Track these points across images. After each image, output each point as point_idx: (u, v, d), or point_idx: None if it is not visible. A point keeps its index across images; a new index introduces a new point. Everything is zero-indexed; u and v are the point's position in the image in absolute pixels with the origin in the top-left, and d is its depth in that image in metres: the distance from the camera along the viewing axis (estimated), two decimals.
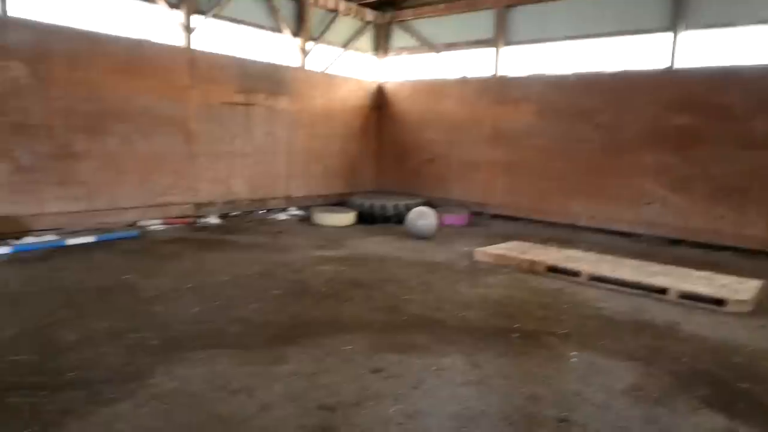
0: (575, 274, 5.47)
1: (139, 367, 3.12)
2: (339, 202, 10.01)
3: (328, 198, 10.43)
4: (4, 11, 6.39)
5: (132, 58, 7.45)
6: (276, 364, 3.25)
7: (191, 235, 7.11)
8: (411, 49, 11.32)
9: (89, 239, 6.27)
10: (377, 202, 8.83)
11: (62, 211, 6.84)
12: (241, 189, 9.08)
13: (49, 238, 6.18)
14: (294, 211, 9.42)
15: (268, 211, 9.32)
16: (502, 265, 5.95)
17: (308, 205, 9.73)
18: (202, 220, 8.12)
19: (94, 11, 7.38)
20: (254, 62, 9.05)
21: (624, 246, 7.39)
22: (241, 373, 3.10)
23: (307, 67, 10.13)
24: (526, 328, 4.06)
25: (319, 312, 4.26)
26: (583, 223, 8.66)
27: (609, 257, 6.11)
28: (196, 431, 2.50)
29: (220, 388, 2.92)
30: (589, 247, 6.82)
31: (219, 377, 3.04)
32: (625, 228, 8.24)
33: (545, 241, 7.24)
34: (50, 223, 6.68)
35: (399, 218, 8.37)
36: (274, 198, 9.63)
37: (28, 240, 6.05)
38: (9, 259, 5.45)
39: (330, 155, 10.67)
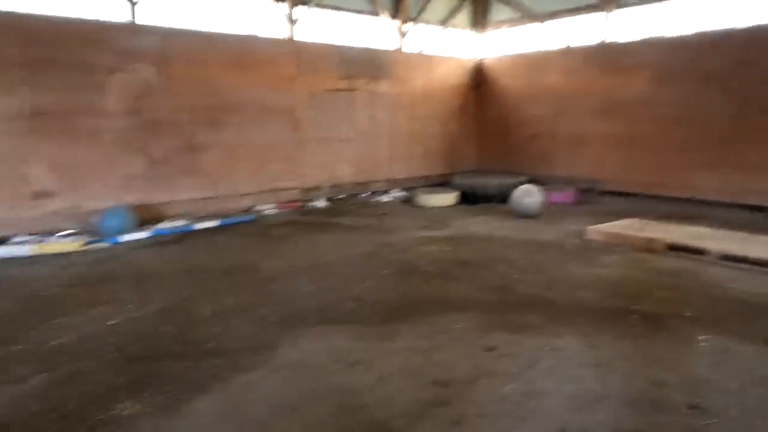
0: (700, 252, 5.06)
1: (267, 340, 3.39)
2: (440, 183, 10.01)
3: (429, 179, 10.47)
4: (134, 18, 7.07)
5: (242, 53, 7.93)
6: (389, 340, 3.37)
7: (301, 219, 7.51)
8: (511, 22, 10.93)
9: (213, 224, 6.85)
10: (479, 182, 8.71)
11: (189, 198, 7.52)
12: (345, 173, 9.38)
13: (180, 223, 6.82)
14: (396, 193, 9.57)
15: (372, 193, 9.56)
16: (615, 244, 5.65)
17: (410, 186, 9.83)
18: (311, 203, 8.53)
19: (207, 11, 7.95)
20: (354, 48, 9.25)
21: (757, 221, 6.69)
22: (358, 348, 3.26)
23: (405, 49, 10.17)
24: (646, 309, 3.84)
25: (428, 291, 4.34)
26: (706, 197, 7.93)
27: (739, 234, 5.56)
28: (321, 399, 2.67)
29: (340, 360, 3.09)
30: (715, 223, 6.25)
31: (338, 351, 3.22)
32: (758, 201, 7.43)
33: (663, 217, 6.74)
34: (180, 210, 7.36)
35: (502, 197, 8.19)
36: (377, 181, 9.85)
37: (163, 225, 6.72)
38: (149, 243, 6.11)
39: (430, 136, 10.67)
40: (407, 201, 8.91)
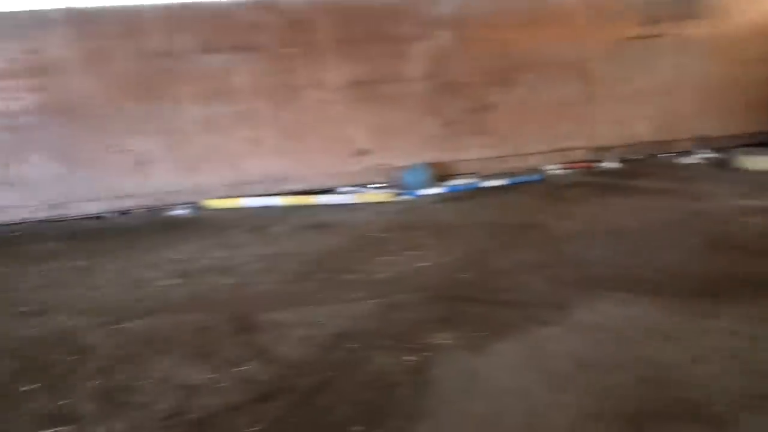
0: None
1: (561, 298, 3.40)
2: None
3: (752, 136, 8.64)
4: None
5: (533, 9, 7.74)
6: (705, 318, 3.01)
7: (592, 180, 7.14)
8: None
9: (501, 182, 7.08)
10: None
11: (477, 157, 7.89)
12: (642, 130, 8.46)
13: (471, 180, 7.26)
14: (707, 154, 8.22)
15: (675, 153, 8.42)
16: None
17: (725, 146, 8.31)
18: (601, 164, 8.00)
19: None
20: None
21: None
22: (666, 322, 3.00)
23: None
24: None
25: (754, 269, 3.68)
26: None
27: None
28: (624, 366, 2.58)
29: (645, 331, 2.90)
30: None
31: (642, 321, 3.03)
32: None
33: None
34: (468, 168, 7.80)
35: None
36: (681, 139, 8.60)
37: (454, 182, 7.26)
38: (444, 197, 6.69)
39: (756, 84, 8.72)
40: (721, 163, 7.58)
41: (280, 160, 7.17)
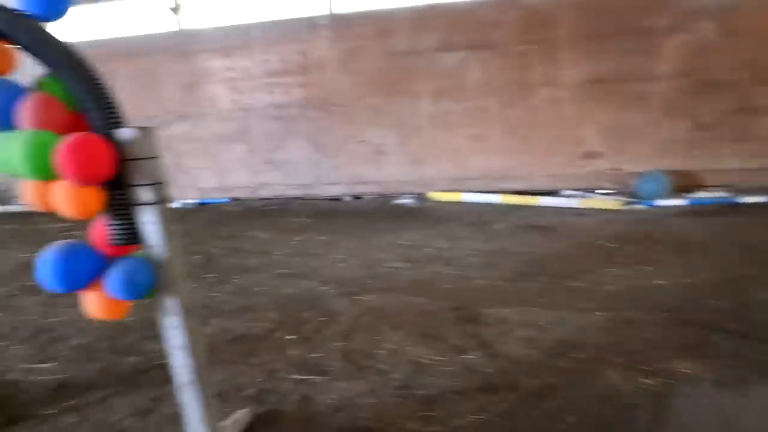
0: None
1: None
2: None
3: None
4: None
5: None
6: None
7: None
8: None
9: (765, 199, 5.97)
10: None
11: (733, 167, 6.77)
12: None
13: (720, 194, 6.28)
14: None
15: None
16: None
17: None
18: None
19: None
20: None
21: None
22: None
23: None
24: None
25: None
26: None
27: None
28: None
29: None
30: None
31: None
32: None
33: None
34: (720, 179, 6.76)
35: None
36: None
37: (701, 194, 6.36)
38: (686, 210, 5.93)
39: None
40: None
41: (503, 157, 7.16)
